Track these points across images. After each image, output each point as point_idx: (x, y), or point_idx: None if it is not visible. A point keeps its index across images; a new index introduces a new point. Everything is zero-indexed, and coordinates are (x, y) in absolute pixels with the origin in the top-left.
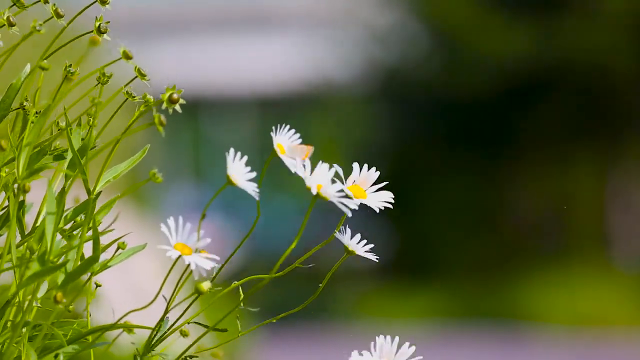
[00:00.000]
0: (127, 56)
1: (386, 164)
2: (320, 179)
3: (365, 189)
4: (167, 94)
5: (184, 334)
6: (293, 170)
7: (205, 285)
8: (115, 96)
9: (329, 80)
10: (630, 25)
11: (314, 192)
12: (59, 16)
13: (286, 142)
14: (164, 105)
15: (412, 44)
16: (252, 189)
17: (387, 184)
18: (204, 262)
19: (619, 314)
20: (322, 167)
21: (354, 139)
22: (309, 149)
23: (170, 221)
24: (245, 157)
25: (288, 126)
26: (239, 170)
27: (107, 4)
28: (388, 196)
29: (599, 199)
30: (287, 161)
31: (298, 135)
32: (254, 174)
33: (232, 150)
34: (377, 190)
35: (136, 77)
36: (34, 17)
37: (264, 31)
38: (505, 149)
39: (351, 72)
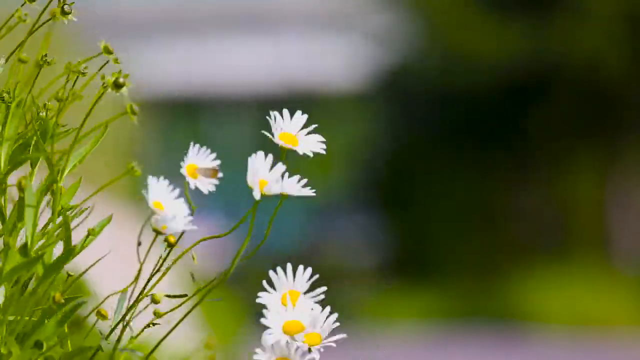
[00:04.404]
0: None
1: (385, 164)
2: (263, 174)
3: (295, 134)
4: (113, 78)
5: (155, 301)
6: (205, 191)
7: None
8: (89, 82)
9: (329, 80)
10: (626, 24)
11: (257, 196)
12: (31, 0)
13: (201, 163)
14: (110, 89)
15: (410, 45)
16: (186, 213)
17: (315, 126)
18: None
19: (619, 314)
20: (258, 157)
21: (354, 139)
22: (215, 169)
23: (152, 180)
24: (167, 181)
25: (198, 146)
26: (163, 195)
27: None
28: (319, 139)
29: (598, 199)
30: (197, 184)
31: (209, 151)
32: (177, 192)
33: (150, 177)
34: (307, 135)
35: (108, 61)
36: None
37: (263, 31)
38: (505, 149)
39: (351, 72)
